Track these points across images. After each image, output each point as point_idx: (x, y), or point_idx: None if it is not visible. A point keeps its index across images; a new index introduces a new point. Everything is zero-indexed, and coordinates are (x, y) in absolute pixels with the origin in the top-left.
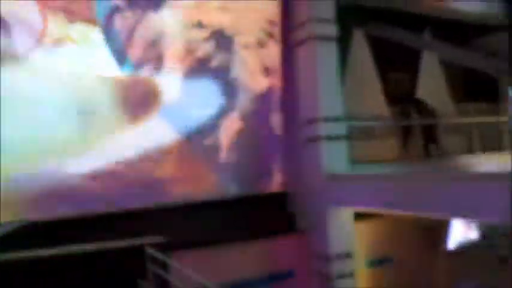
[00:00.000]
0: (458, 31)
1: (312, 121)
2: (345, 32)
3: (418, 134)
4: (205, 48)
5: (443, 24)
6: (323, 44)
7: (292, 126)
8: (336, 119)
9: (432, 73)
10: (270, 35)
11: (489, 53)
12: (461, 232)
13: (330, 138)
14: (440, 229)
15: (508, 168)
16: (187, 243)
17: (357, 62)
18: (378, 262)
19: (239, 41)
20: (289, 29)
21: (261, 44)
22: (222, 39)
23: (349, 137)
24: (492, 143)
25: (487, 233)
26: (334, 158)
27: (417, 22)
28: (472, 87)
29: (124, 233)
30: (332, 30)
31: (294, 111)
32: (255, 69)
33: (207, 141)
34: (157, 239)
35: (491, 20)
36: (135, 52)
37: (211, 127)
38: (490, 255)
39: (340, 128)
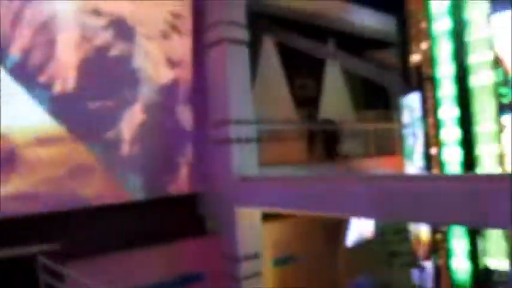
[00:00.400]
0: (357, 43)
1: (223, 123)
2: (255, 38)
3: (322, 138)
4: (104, 36)
5: (345, 36)
6: (234, 47)
7: (202, 124)
8: (246, 122)
9: (335, 81)
10: (174, 28)
11: (382, 66)
12: (358, 229)
13: (240, 140)
14: (340, 227)
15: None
16: (87, 249)
17: (266, 68)
18: (283, 261)
19: (141, 31)
20: (201, 27)
21: (164, 36)
22: (122, 29)
23: (258, 139)
24: (386, 147)
25: (381, 230)
26: (244, 160)
27: (323, 33)
28: (370, 96)
29: (14, 241)
30: (243, 34)
31: (204, 109)
32: (158, 60)
33: (107, 136)
34: (52, 246)
35: (386, 36)
36: (21, 38)
37: (111, 120)
38: (382, 250)
39: (251, 131)
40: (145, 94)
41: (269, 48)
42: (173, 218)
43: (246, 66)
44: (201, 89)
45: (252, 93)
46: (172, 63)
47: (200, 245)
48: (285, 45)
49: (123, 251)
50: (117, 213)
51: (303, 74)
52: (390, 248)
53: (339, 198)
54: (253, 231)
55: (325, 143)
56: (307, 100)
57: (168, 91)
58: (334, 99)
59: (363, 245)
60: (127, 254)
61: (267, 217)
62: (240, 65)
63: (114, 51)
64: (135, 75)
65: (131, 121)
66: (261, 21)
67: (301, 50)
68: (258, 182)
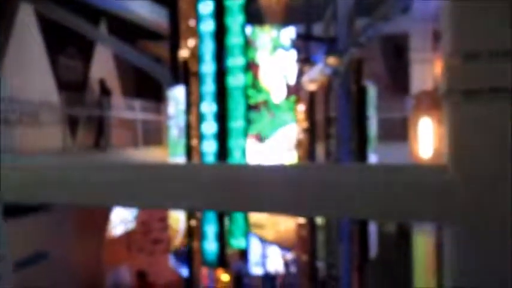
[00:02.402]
0: (131, 31)
1: None
2: (4, 2)
3: (89, 125)
4: None
5: (118, 21)
6: None
7: None
8: None
9: (105, 65)
10: None
11: (154, 57)
12: (121, 218)
13: None
14: (101, 217)
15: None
16: None
17: (22, 40)
18: (32, 260)
19: None
20: None
21: None
22: None
23: (8, 122)
24: (154, 138)
25: (146, 218)
26: None
27: (95, 13)
28: (141, 86)
29: None
30: None
31: None
32: None
33: None
34: None
35: (159, 28)
36: None
37: None
38: (144, 239)
39: None
40: None
41: (27, 18)
42: None
43: None
44: None
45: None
46: None
47: None
48: (49, 19)
49: None
50: None
51: (70, 54)
52: (153, 236)
53: (98, 188)
54: None
55: (91, 131)
56: (72, 83)
57: None
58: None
59: (125, 235)
60: None
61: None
62: None
63: None
64: None
65: None
66: None
67: (69, 27)
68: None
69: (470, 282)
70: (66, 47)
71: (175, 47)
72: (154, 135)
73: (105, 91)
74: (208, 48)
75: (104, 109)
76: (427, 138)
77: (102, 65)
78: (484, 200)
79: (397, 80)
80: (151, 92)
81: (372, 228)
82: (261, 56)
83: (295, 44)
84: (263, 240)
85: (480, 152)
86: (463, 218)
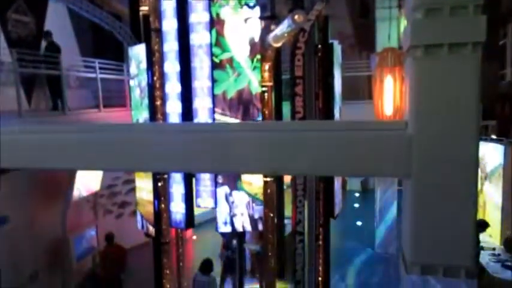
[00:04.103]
0: None
1: None
2: None
3: (44, 86)
4: None
5: None
6: None
7: None
8: None
9: (59, 22)
10: None
11: (113, 13)
12: (84, 184)
13: None
14: (65, 180)
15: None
16: None
17: None
18: None
19: None
20: None
21: None
22: None
23: None
24: (116, 99)
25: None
26: None
27: None
28: (100, 44)
29: None
30: None
31: None
32: None
33: None
34: None
35: None
36: None
37: None
38: (111, 202)
39: None
40: None
41: None
42: None
43: None
44: None
45: None
46: None
47: None
48: None
49: None
50: None
51: (21, 9)
52: (119, 199)
53: (57, 151)
54: None
55: (48, 92)
56: (24, 40)
57: None
58: (61, 42)
59: (91, 198)
60: None
61: None
62: None
63: None
64: None
65: None
66: None
67: None
68: None
69: (428, 232)
70: (14, 1)
71: (135, 2)
72: (117, 96)
73: (52, 46)
74: (169, 4)
75: (54, 67)
76: (390, 96)
77: (57, 22)
78: (440, 153)
79: (364, 38)
80: (112, 51)
81: (337, 186)
82: (226, 13)
83: (259, 0)
84: (253, 197)
85: (438, 107)
86: (420, 172)
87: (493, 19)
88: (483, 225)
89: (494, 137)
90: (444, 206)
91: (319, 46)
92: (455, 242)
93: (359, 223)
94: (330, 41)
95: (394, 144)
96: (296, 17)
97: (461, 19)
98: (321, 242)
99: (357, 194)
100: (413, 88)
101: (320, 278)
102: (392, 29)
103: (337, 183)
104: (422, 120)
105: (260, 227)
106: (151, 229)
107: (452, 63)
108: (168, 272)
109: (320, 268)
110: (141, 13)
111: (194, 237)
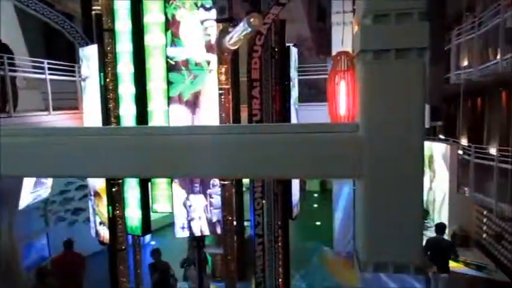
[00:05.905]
0: None
1: None
2: None
3: None
4: None
5: None
6: None
7: None
8: None
9: (5, 21)
10: None
11: (65, 12)
12: (35, 189)
13: None
14: (11, 187)
15: None
16: None
17: None
18: None
19: None
20: None
21: None
22: None
23: None
24: (67, 102)
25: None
26: None
27: None
28: (52, 45)
29: None
30: None
31: None
32: None
33: None
34: None
35: None
36: None
37: None
38: (64, 209)
39: None
40: None
41: None
42: None
43: None
44: None
45: None
46: None
47: None
48: None
49: None
50: None
51: None
52: (72, 205)
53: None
54: None
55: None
56: None
57: None
58: (7, 42)
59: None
60: None
61: None
62: None
63: None
64: None
65: None
66: None
67: None
68: None
69: (378, 231)
70: None
71: (87, 1)
72: (68, 99)
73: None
74: (123, 4)
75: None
76: (343, 98)
77: (2, 21)
78: (390, 155)
79: (321, 41)
80: (64, 52)
81: (295, 187)
82: (182, 14)
83: (216, 2)
84: None
85: (387, 110)
86: (371, 173)
87: (439, 26)
88: (443, 228)
89: (442, 136)
90: (393, 206)
91: (276, 49)
92: (404, 240)
93: (318, 223)
94: (287, 44)
95: (346, 146)
96: (252, 20)
97: (406, 25)
98: (280, 244)
99: (316, 195)
100: (363, 91)
101: (280, 280)
102: (346, 34)
103: (295, 184)
104: (372, 122)
105: (219, 230)
106: (107, 236)
107: (399, 67)
108: (124, 279)
109: (280, 269)
110: (93, 13)
111: (153, 242)
